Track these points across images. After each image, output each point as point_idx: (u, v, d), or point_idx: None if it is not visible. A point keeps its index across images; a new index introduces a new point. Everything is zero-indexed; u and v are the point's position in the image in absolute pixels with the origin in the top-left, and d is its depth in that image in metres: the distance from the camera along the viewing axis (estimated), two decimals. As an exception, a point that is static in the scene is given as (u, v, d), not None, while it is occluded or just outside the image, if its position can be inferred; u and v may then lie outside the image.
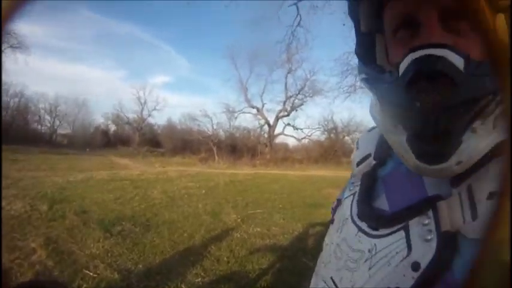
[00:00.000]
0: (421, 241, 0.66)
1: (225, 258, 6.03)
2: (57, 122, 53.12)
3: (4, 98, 42.66)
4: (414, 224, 0.69)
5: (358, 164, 1.02)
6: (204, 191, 13.13)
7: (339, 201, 1.04)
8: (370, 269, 0.73)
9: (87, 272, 5.21)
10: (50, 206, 8.81)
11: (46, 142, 46.36)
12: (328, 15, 15.26)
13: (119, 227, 7.42)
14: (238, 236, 7.39)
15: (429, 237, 0.65)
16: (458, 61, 0.60)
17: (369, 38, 0.84)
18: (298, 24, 18.04)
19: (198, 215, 9.11)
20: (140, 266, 5.57)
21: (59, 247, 6.09)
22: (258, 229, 7.99)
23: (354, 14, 0.85)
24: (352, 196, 0.95)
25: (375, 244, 0.75)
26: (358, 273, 0.76)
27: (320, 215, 9.46)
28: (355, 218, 0.86)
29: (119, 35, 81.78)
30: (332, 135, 40.89)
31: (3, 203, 8.75)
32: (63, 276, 5.10)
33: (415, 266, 0.64)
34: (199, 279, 5.21)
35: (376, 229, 0.77)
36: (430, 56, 0.62)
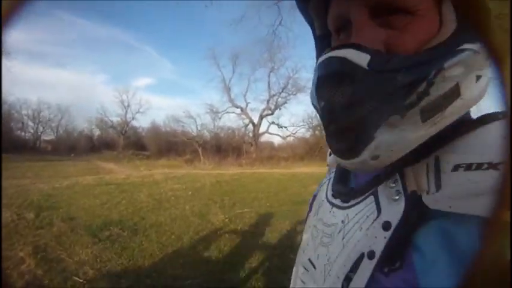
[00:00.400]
0: (389, 201, 0.68)
1: (215, 259, 6.06)
2: (41, 128, 53.12)
3: (-15, 106, 42.74)
4: (382, 188, 0.71)
5: (330, 154, 1.05)
6: (190, 193, 13.11)
7: (315, 196, 1.07)
8: (343, 238, 0.74)
9: (77, 278, 5.21)
10: (36, 214, 8.76)
11: (30, 149, 46.31)
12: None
13: (107, 232, 7.41)
14: (227, 236, 7.40)
15: (397, 197, 0.66)
16: (361, 59, 0.62)
17: (325, 40, 0.85)
18: (280, 23, 18.09)
19: (186, 217, 9.11)
20: (130, 270, 5.58)
21: (47, 255, 6.07)
22: (246, 228, 8.01)
23: (307, 18, 0.88)
24: (327, 181, 1.00)
25: (347, 214, 0.77)
26: (332, 246, 0.77)
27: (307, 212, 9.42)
28: (330, 198, 0.89)
29: (101, 38, 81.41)
30: (317, 132, 40.62)
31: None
32: (52, 284, 5.10)
33: (386, 225, 0.65)
34: (190, 280, 5.22)
35: (348, 201, 0.79)
36: (330, 58, 0.66)
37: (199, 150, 37.52)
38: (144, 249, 6.49)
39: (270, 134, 43.28)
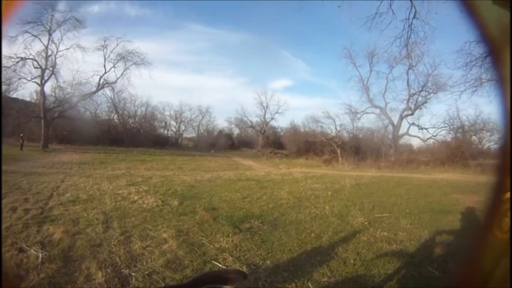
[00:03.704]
0: None
1: (352, 261, 5.99)
2: (183, 127, 56.95)
3: (132, 108, 49.02)
4: None
5: None
6: (330, 193, 13.27)
7: None
8: None
9: (216, 263, 5.48)
10: (180, 202, 9.50)
11: (172, 145, 50.43)
12: (443, 3, 14.66)
13: (248, 224, 7.79)
14: (365, 239, 7.32)
15: None
16: None
17: None
18: (414, 16, 17.52)
19: (325, 217, 9.21)
20: (268, 262, 5.73)
21: (189, 239, 6.53)
22: (385, 233, 7.85)
23: None
24: None
25: None
26: None
27: (447, 221, 9.13)
28: None
29: (234, 44, 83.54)
30: (458, 134, 39.05)
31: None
32: (192, 265, 5.41)
33: None
34: (326, 279, 5.22)
35: None
36: None
37: (338, 151, 37.55)
38: (283, 244, 6.63)
39: (410, 135, 42.06)
